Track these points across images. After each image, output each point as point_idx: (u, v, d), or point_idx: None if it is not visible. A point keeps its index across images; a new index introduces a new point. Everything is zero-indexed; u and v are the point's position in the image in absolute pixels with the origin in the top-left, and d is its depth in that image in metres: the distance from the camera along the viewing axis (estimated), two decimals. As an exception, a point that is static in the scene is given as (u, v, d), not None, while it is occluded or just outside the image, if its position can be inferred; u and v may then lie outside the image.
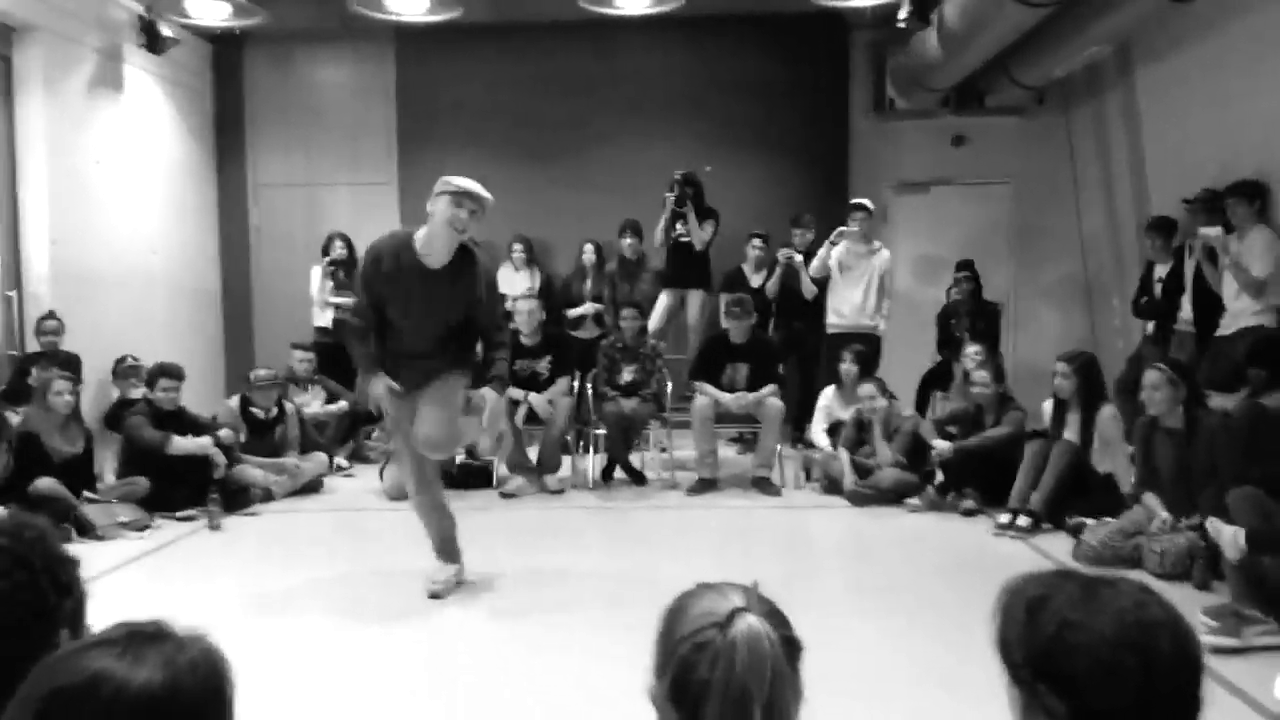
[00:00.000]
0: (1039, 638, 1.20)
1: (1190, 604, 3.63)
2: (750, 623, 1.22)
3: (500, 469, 6.75)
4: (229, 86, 9.45)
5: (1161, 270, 6.86)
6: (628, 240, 8.08)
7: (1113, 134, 8.41)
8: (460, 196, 4.02)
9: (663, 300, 7.97)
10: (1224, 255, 5.80)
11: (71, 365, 6.58)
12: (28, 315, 7.03)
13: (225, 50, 9.32)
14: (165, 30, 7.74)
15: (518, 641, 3.83)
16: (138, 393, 6.81)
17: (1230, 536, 3.70)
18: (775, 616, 1.26)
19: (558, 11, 8.03)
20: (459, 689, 3.41)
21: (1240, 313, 5.82)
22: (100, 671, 1.05)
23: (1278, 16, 5.95)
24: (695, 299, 7.97)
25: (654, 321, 7.73)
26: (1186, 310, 6.48)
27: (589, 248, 8.31)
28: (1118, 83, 8.15)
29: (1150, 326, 7.03)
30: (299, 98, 9.48)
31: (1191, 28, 6.70)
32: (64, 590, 1.27)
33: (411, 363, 4.24)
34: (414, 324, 4.19)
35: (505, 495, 6.48)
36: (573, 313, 8.18)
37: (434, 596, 4.30)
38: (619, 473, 6.87)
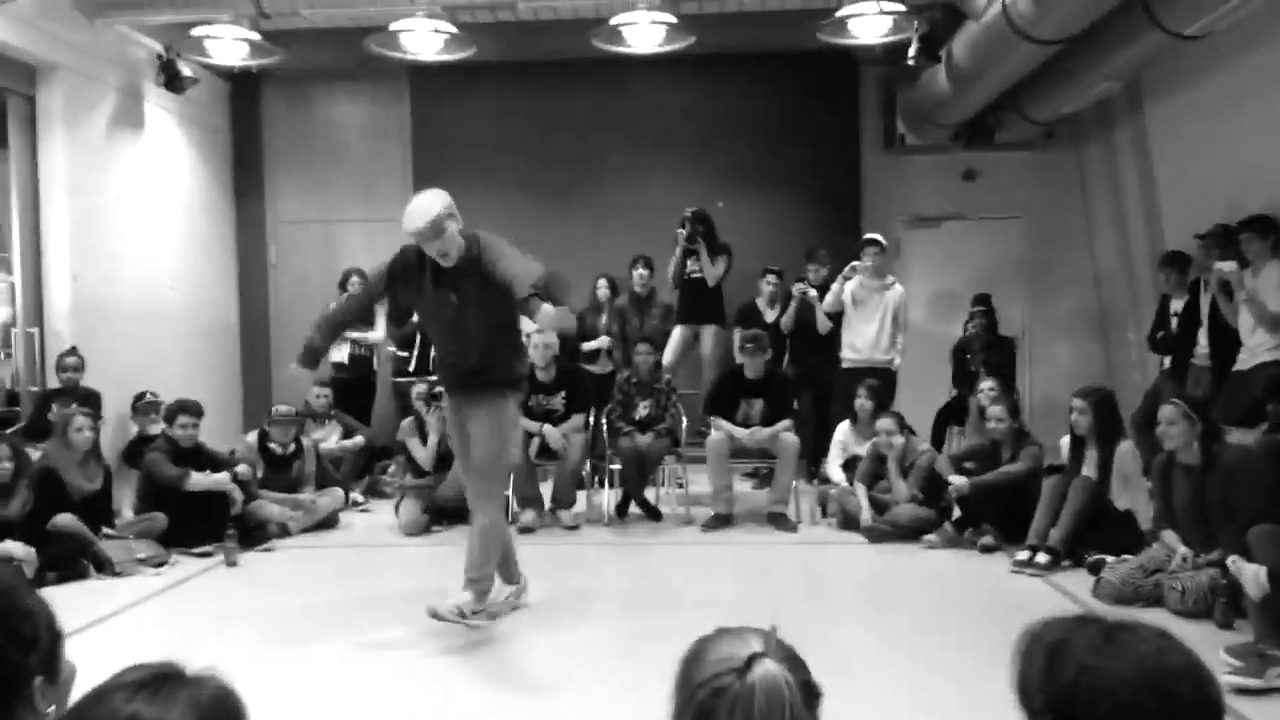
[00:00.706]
0: (1059, 683, 1.20)
1: (1212, 642, 3.61)
2: (768, 668, 1.22)
3: (513, 504, 6.75)
4: (247, 125, 9.58)
5: (1177, 305, 6.84)
6: (638, 274, 8.11)
7: (1124, 169, 8.43)
8: (420, 236, 4.13)
9: (676, 335, 7.98)
10: (1239, 290, 5.78)
11: (92, 401, 6.63)
12: (49, 351, 7.10)
13: (243, 89, 9.46)
14: (184, 70, 7.85)
15: (531, 678, 3.82)
16: (157, 429, 6.86)
17: (1252, 575, 3.67)
18: (794, 662, 1.26)
19: (570, 50, 8.13)
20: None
21: (1257, 348, 5.79)
22: (135, 715, 1.10)
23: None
24: (709, 334, 7.97)
25: (668, 357, 7.74)
26: (1203, 345, 6.46)
27: (602, 282, 8.35)
28: (1128, 118, 8.18)
29: (1167, 361, 7.00)
30: (315, 136, 9.59)
31: (1201, 64, 6.73)
32: (27, 645, 1.26)
33: (458, 375, 4.38)
34: (450, 328, 4.30)
35: (522, 530, 6.47)
36: (587, 346, 8.20)
37: (433, 616, 4.18)
38: (634, 508, 6.86)
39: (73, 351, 6.92)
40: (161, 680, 1.15)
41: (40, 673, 1.27)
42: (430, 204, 4.13)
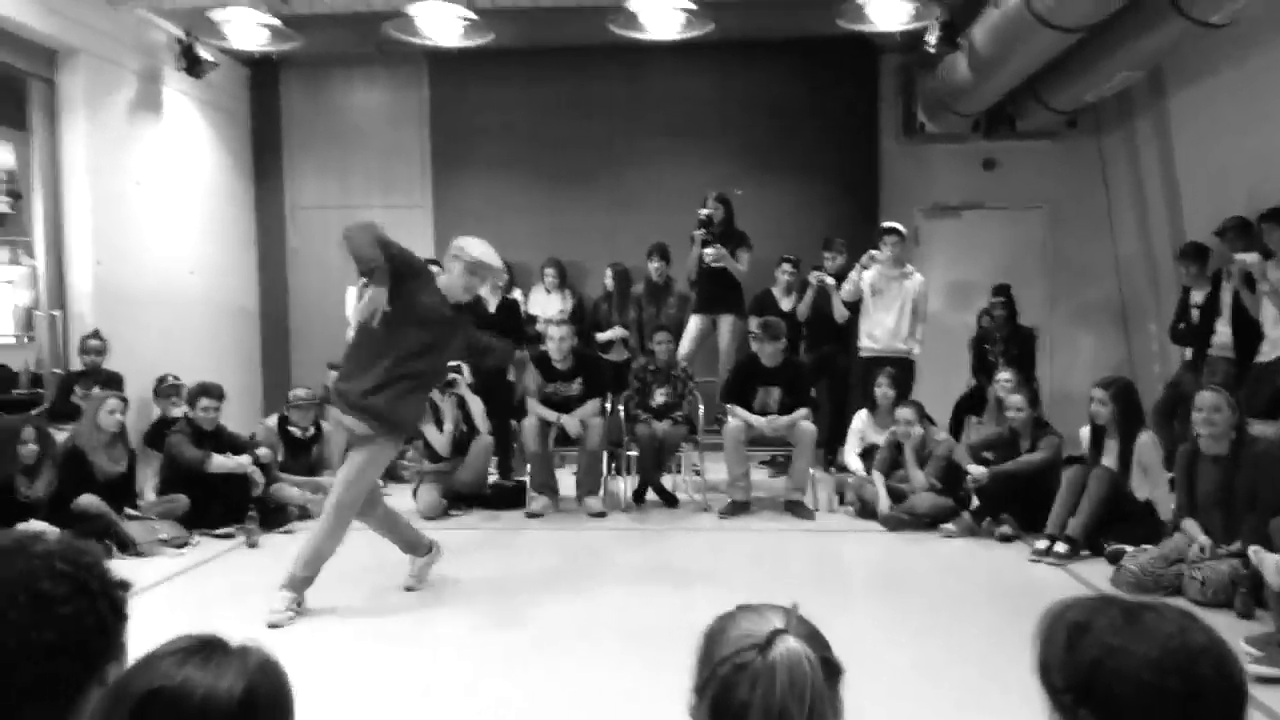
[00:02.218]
0: (1081, 663, 1.20)
1: (1233, 632, 3.57)
2: (790, 645, 1.22)
3: (528, 490, 6.77)
4: (266, 110, 9.61)
5: (1198, 296, 6.79)
6: (655, 264, 8.10)
7: (1145, 158, 8.36)
8: (475, 267, 4.48)
9: (694, 325, 7.96)
10: (1262, 281, 5.74)
11: (114, 384, 6.69)
12: (71, 334, 7.16)
13: (262, 74, 9.49)
14: (204, 54, 7.89)
15: (552, 661, 3.84)
16: (178, 411, 6.91)
17: (1273, 564, 3.66)
18: (815, 639, 1.27)
19: (588, 36, 8.11)
20: (493, 706, 3.42)
21: (1279, 340, 5.75)
22: (190, 678, 1.13)
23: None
24: (727, 324, 7.94)
25: (685, 346, 7.71)
26: (1224, 336, 6.41)
27: (609, 272, 8.36)
28: (1150, 107, 8.11)
29: (1188, 352, 6.96)
30: (334, 121, 9.62)
31: (1224, 52, 6.67)
32: (120, 614, 1.29)
33: (365, 396, 4.38)
34: (414, 349, 4.40)
35: (531, 515, 6.51)
36: (602, 337, 8.21)
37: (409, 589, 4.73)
38: (651, 495, 6.87)
39: (95, 334, 6.98)
40: (211, 649, 1.17)
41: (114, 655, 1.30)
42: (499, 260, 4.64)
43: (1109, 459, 5.43)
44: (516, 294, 8.23)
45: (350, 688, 3.58)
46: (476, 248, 4.51)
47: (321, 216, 9.62)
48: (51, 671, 1.21)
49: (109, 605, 1.26)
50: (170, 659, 1.16)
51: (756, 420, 6.57)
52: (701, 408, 7.03)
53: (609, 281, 8.33)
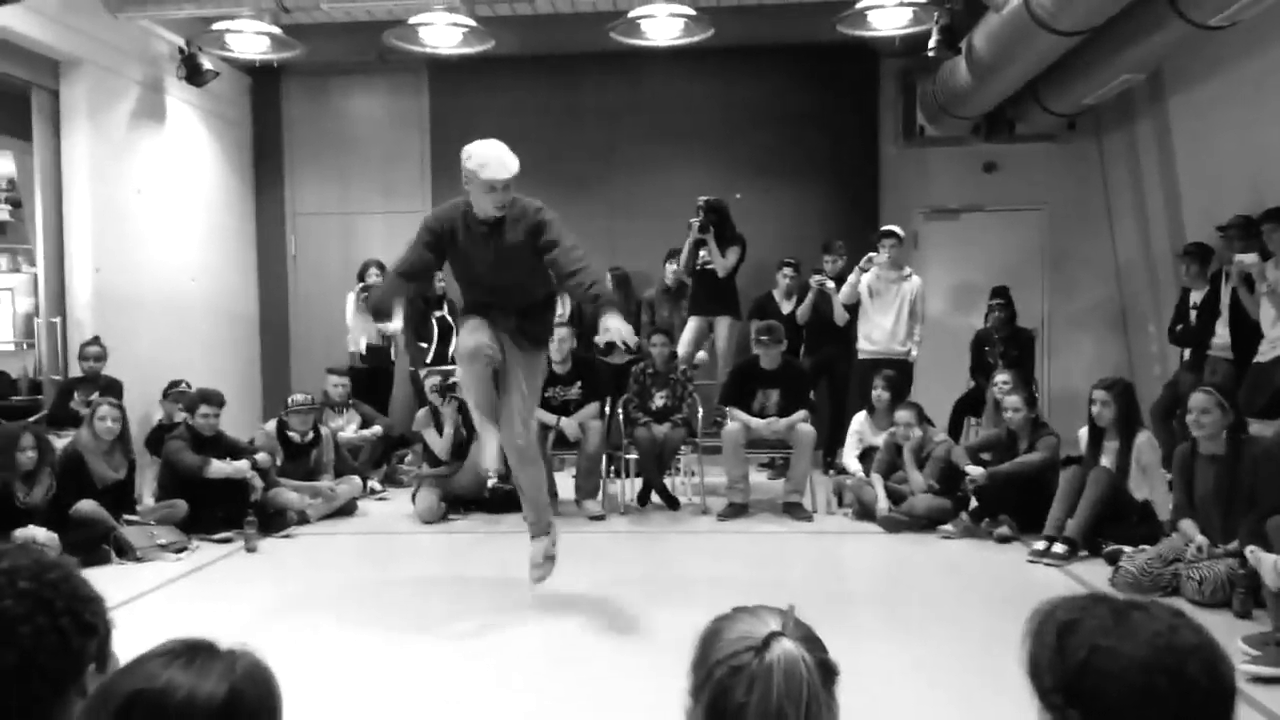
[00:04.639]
0: (1070, 663, 1.20)
1: (1230, 632, 3.60)
2: (786, 647, 1.23)
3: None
4: (267, 117, 9.63)
5: (1197, 297, 6.80)
6: (671, 267, 8.12)
7: (1145, 160, 8.36)
8: (490, 185, 4.12)
9: (691, 327, 7.96)
10: (1261, 282, 5.75)
11: (113, 390, 6.70)
12: (71, 341, 7.17)
13: (263, 82, 9.50)
14: (205, 63, 7.90)
15: (551, 663, 3.85)
16: (182, 417, 6.92)
17: (1270, 564, 3.66)
18: (811, 641, 1.27)
19: (588, 42, 8.13)
20: (493, 709, 3.43)
21: (1278, 340, 5.76)
22: (173, 680, 1.13)
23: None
24: (723, 326, 7.95)
25: (683, 348, 7.72)
26: (1223, 336, 6.42)
27: (608, 276, 8.36)
28: (1150, 109, 8.12)
29: (1187, 353, 6.97)
30: (335, 128, 9.63)
31: (1223, 54, 6.68)
32: (88, 630, 1.28)
33: (494, 306, 4.38)
34: (489, 277, 4.33)
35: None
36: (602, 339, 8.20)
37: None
38: (654, 497, 6.88)
39: (95, 341, 6.99)
40: (196, 651, 1.18)
41: (94, 660, 1.30)
42: (511, 156, 4.17)
43: (1107, 459, 5.43)
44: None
45: (347, 690, 3.58)
46: (490, 166, 4.10)
47: (321, 223, 9.64)
48: (13, 693, 1.20)
49: (73, 623, 1.25)
50: (156, 661, 1.16)
51: (755, 422, 6.58)
52: (700, 410, 7.03)
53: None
